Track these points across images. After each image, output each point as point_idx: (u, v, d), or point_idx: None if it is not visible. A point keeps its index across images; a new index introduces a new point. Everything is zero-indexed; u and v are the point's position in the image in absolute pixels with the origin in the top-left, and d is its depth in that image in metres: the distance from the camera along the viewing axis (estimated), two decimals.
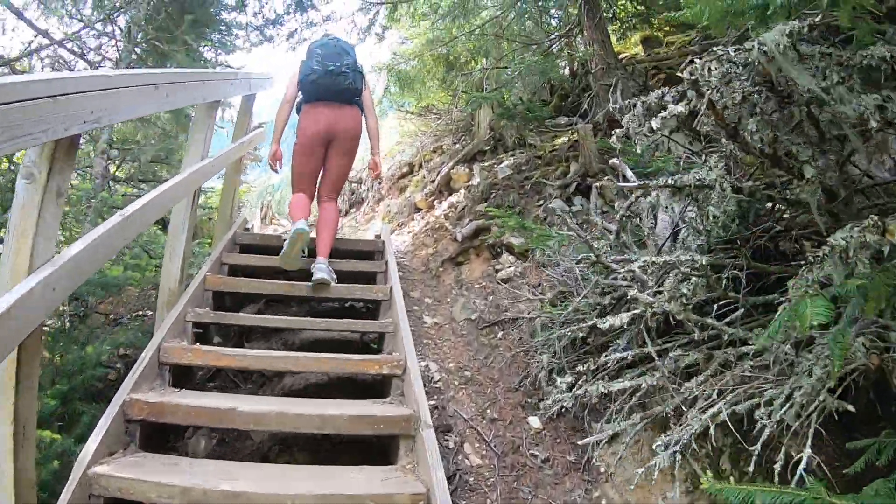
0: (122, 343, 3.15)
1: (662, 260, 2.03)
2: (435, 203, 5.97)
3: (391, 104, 8.19)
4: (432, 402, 2.88)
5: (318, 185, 3.64)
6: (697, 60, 1.51)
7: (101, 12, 4.32)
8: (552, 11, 5.90)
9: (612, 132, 1.83)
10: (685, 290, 1.91)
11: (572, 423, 2.74)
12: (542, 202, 4.58)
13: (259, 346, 3.28)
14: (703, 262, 1.94)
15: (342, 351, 3.04)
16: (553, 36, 6.35)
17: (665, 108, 1.62)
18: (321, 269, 3.18)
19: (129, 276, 2.96)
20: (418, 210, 6.21)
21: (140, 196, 2.66)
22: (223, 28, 6.02)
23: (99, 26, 4.79)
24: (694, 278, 1.97)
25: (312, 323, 3.09)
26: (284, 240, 3.85)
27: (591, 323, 2.45)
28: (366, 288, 3.53)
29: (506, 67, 5.79)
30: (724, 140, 1.77)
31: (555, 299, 3.37)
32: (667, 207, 2.46)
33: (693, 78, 1.51)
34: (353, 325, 3.15)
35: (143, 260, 3.19)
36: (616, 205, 3.31)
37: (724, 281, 2.09)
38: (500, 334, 3.79)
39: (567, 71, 6.40)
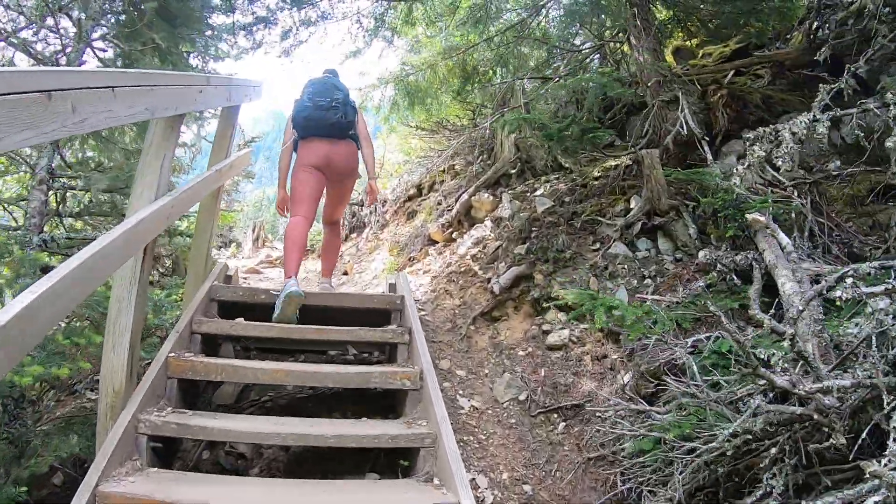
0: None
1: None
2: (454, 236, 5.08)
3: (398, 120, 7.31)
4: None
5: (323, 211, 3.75)
6: None
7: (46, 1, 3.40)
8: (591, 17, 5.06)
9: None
10: None
11: None
12: (598, 245, 3.70)
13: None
14: None
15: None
16: (587, 45, 5.54)
17: None
18: (325, 288, 3.63)
19: (55, 372, 2.03)
20: (433, 243, 5.31)
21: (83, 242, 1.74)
22: (207, 30, 5.11)
23: (51, 21, 3.87)
24: None
25: (317, 438, 2.16)
26: (276, 294, 3.10)
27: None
28: (384, 374, 2.62)
29: (547, 78, 4.94)
30: None
31: (651, 397, 2.47)
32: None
33: None
34: (373, 440, 2.21)
35: (84, 337, 2.26)
36: (784, 288, 2.43)
37: None
38: (560, 426, 2.89)
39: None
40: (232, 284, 3.58)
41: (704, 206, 3.40)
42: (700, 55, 6.05)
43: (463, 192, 5.42)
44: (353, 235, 7.65)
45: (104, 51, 4.35)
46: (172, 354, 2.46)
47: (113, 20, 3.87)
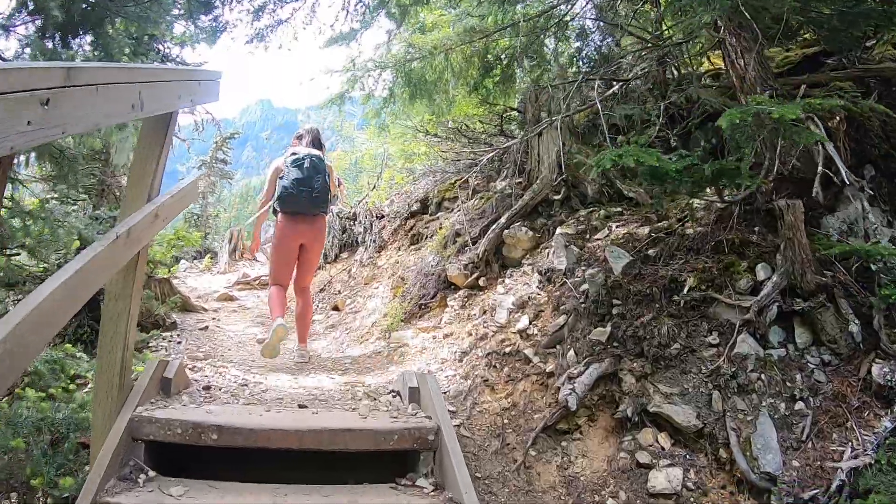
0: None
1: None
2: (482, 282, 3.89)
3: (393, 117, 6.02)
4: None
5: (295, 278, 3.86)
6: None
7: None
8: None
9: None
10: None
11: None
12: (715, 335, 2.56)
13: None
14: None
15: None
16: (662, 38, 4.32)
17: None
18: (302, 355, 3.71)
19: None
20: (451, 286, 4.12)
21: None
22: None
23: None
24: None
25: None
26: (236, 429, 1.90)
27: None
28: None
29: (623, 80, 3.72)
30: None
31: None
32: None
33: None
34: None
35: None
36: None
37: None
38: None
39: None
40: (174, 398, 2.34)
41: (884, 297, 2.29)
42: None
43: (490, 222, 4.22)
44: (344, 255, 6.39)
45: None
46: None
47: None
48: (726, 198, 3.00)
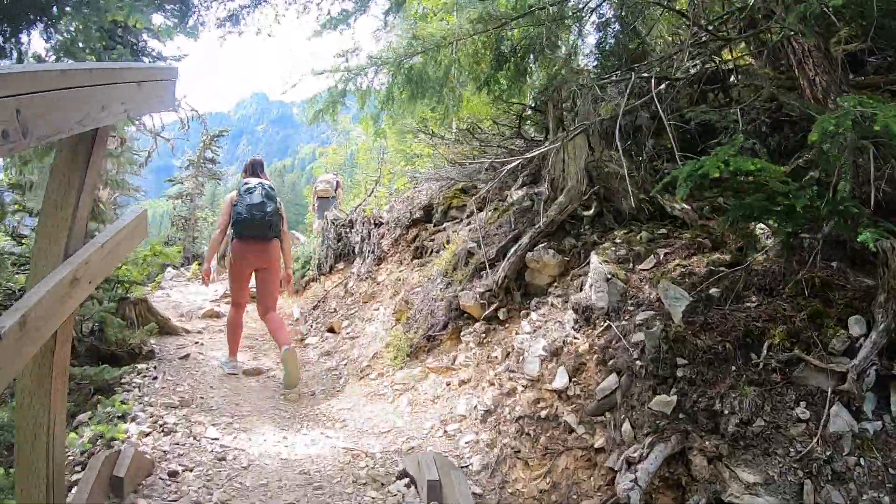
0: None
1: None
2: (501, 315, 3.37)
3: (392, 120, 5.44)
4: None
5: (257, 303, 4.08)
6: None
7: None
8: None
9: None
10: None
11: None
12: (803, 406, 2.05)
13: None
14: None
15: None
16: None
17: None
18: (287, 347, 3.66)
19: None
20: (466, 317, 3.59)
21: None
22: None
23: None
24: None
25: None
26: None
27: None
28: None
29: (671, 78, 3.16)
30: None
31: None
32: None
33: None
34: None
35: None
36: None
37: None
38: None
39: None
40: (128, 499, 1.81)
41: None
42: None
43: (509, 242, 3.69)
44: (340, 266, 5.84)
45: None
46: None
47: None
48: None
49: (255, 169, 4.11)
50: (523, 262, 3.50)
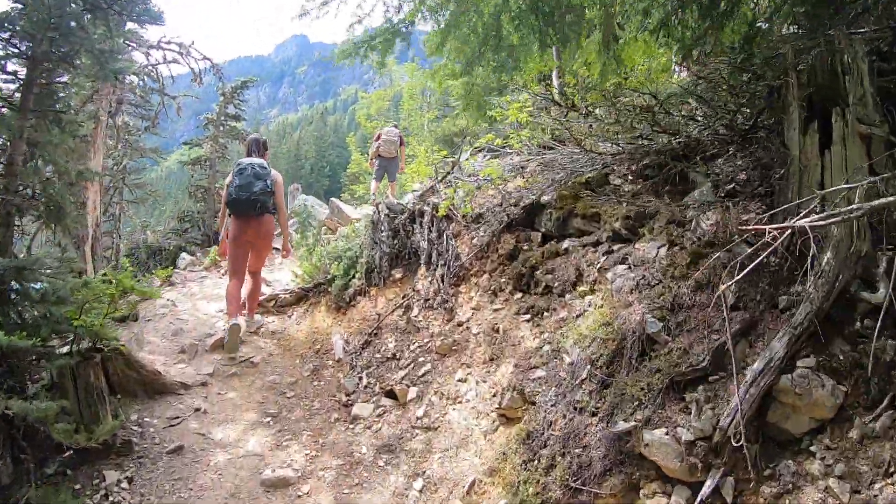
0: None
1: None
2: (728, 491, 1.81)
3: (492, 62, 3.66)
4: None
5: (248, 265, 4.28)
6: None
7: None
8: None
9: None
10: None
11: None
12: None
13: None
14: None
15: None
16: None
17: None
18: (238, 319, 3.93)
19: None
20: (648, 467, 2.04)
21: None
22: None
23: None
24: None
25: None
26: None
27: None
28: None
29: None
30: None
31: None
32: None
33: None
34: None
35: None
36: None
37: None
38: None
39: None
40: None
41: None
42: None
43: (731, 337, 2.04)
44: (397, 275, 4.24)
45: None
46: None
47: None
48: None
49: (250, 149, 4.28)
50: (770, 390, 1.88)
